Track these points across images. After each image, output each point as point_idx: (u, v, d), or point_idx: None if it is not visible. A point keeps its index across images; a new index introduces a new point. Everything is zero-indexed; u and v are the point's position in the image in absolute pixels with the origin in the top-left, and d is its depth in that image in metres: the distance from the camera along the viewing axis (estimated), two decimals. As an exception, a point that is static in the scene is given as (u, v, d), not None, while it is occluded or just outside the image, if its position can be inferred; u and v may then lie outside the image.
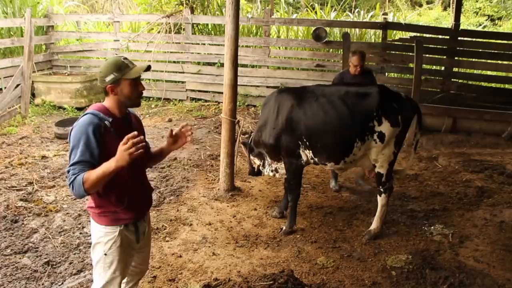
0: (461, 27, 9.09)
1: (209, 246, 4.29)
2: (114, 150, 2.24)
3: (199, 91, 10.13)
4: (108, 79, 2.42)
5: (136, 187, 2.62)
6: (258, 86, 9.71)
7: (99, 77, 2.46)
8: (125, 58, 2.50)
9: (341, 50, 8.56)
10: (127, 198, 2.53)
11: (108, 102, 2.50)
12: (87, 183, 2.24)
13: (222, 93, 5.58)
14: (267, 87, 9.61)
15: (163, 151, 2.83)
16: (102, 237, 2.55)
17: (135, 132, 2.22)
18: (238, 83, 5.50)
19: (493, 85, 9.22)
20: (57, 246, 4.19)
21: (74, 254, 4.08)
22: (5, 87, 8.39)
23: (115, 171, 2.24)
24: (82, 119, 2.39)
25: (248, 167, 5.28)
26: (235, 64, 5.23)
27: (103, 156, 2.32)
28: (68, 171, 2.32)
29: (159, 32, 9.96)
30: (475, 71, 9.29)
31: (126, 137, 2.19)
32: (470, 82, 9.24)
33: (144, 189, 2.73)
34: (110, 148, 2.32)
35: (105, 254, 2.55)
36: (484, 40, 9.09)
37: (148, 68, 2.57)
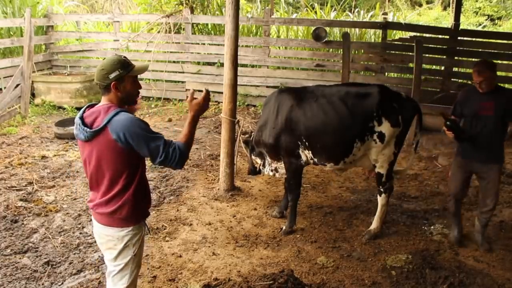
0: (461, 27, 9.10)
1: (209, 246, 4.29)
2: None
3: (199, 91, 10.05)
4: (112, 76, 2.47)
5: (146, 179, 2.72)
6: (258, 86, 9.71)
7: (101, 74, 2.48)
8: (125, 57, 2.57)
9: (341, 50, 8.56)
10: (147, 190, 2.66)
11: (111, 100, 2.53)
12: (190, 144, 2.53)
13: (222, 93, 5.58)
14: (267, 87, 9.61)
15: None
16: (130, 239, 2.57)
17: (192, 91, 2.67)
18: (238, 83, 5.50)
19: (493, 84, 9.21)
20: (57, 246, 4.19)
21: (74, 254, 4.08)
22: (5, 87, 8.39)
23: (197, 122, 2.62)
24: (126, 116, 2.44)
25: (248, 166, 5.28)
26: (235, 64, 5.23)
27: None
28: (168, 153, 2.41)
29: (159, 32, 9.96)
30: (475, 71, 9.27)
31: (192, 92, 2.65)
32: (469, 82, 9.21)
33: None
34: None
35: (134, 255, 2.60)
36: (484, 40, 9.10)
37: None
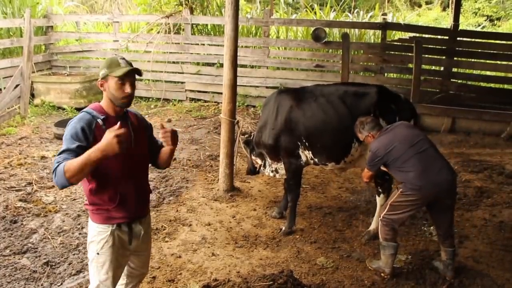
0: (460, 27, 9.10)
1: (209, 247, 4.29)
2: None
3: (199, 91, 10.12)
4: (101, 73, 2.51)
5: (130, 187, 2.57)
6: (257, 87, 9.71)
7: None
8: (122, 58, 2.54)
9: (341, 50, 8.56)
10: (118, 197, 2.51)
11: (103, 100, 2.57)
12: (69, 172, 2.19)
13: (221, 93, 5.58)
14: (267, 87, 9.62)
15: (162, 149, 2.77)
16: (96, 235, 2.57)
17: (118, 125, 2.24)
18: (238, 84, 5.50)
19: (492, 85, 9.23)
20: (56, 247, 4.18)
21: (73, 254, 4.08)
22: (4, 88, 8.38)
23: (99, 159, 2.20)
24: (76, 116, 2.50)
25: (247, 166, 5.30)
26: (234, 65, 5.23)
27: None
28: (55, 163, 2.32)
29: (158, 32, 9.96)
30: (474, 72, 9.30)
31: (112, 128, 2.21)
32: (469, 83, 9.25)
33: (139, 189, 2.65)
34: (96, 142, 2.29)
35: (98, 254, 2.56)
36: (483, 41, 9.11)
37: (138, 72, 2.54)
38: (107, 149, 2.19)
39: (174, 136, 2.62)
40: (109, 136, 2.18)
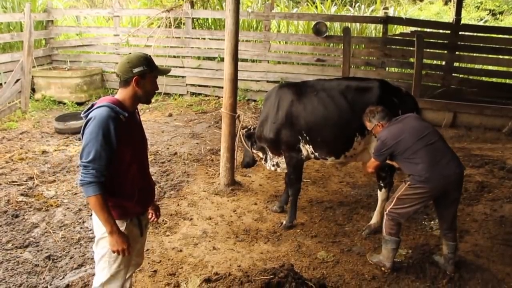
0: (462, 21, 9.06)
1: (210, 241, 4.30)
2: (123, 142, 2.40)
3: (199, 85, 10.11)
4: (136, 70, 2.46)
5: (144, 182, 2.68)
6: (258, 81, 9.69)
7: (126, 67, 2.47)
8: (150, 56, 2.58)
9: (342, 44, 8.54)
10: (137, 192, 2.58)
11: (123, 95, 2.53)
12: (94, 204, 2.37)
13: (222, 87, 5.57)
14: (267, 81, 9.60)
15: None
16: None
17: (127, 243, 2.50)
18: (238, 78, 5.49)
19: (494, 79, 9.20)
20: (58, 241, 4.20)
21: (75, 248, 4.10)
22: (5, 82, 8.38)
23: (105, 226, 2.43)
24: (100, 111, 2.39)
25: (243, 158, 5.32)
26: (235, 59, 5.22)
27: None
28: (86, 166, 2.34)
29: (159, 26, 9.93)
30: (476, 66, 9.27)
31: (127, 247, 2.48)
32: (470, 77, 9.21)
33: (150, 183, 2.80)
34: (120, 140, 2.40)
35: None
36: (485, 35, 9.06)
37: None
38: (113, 240, 2.44)
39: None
40: (122, 242, 2.45)
